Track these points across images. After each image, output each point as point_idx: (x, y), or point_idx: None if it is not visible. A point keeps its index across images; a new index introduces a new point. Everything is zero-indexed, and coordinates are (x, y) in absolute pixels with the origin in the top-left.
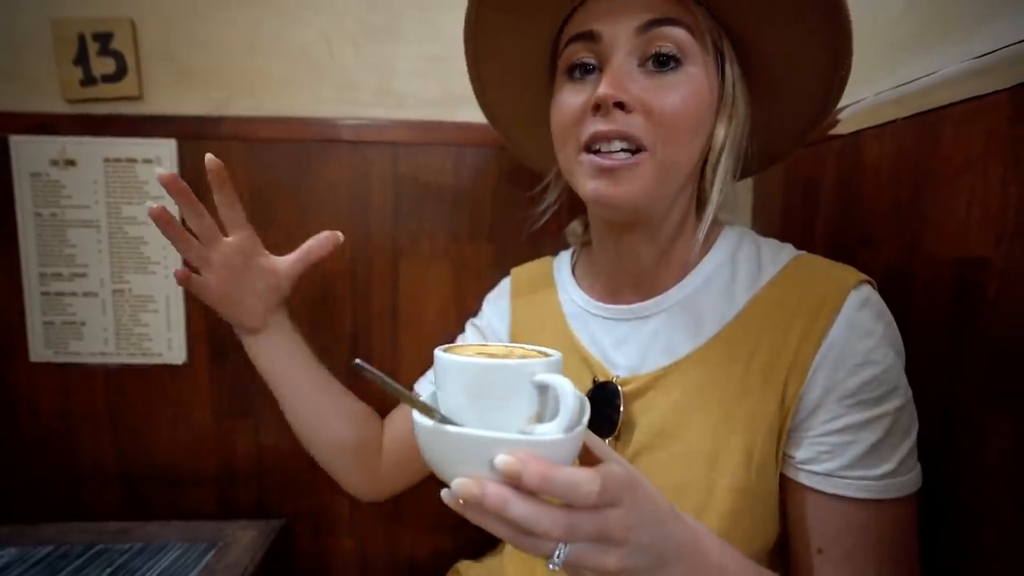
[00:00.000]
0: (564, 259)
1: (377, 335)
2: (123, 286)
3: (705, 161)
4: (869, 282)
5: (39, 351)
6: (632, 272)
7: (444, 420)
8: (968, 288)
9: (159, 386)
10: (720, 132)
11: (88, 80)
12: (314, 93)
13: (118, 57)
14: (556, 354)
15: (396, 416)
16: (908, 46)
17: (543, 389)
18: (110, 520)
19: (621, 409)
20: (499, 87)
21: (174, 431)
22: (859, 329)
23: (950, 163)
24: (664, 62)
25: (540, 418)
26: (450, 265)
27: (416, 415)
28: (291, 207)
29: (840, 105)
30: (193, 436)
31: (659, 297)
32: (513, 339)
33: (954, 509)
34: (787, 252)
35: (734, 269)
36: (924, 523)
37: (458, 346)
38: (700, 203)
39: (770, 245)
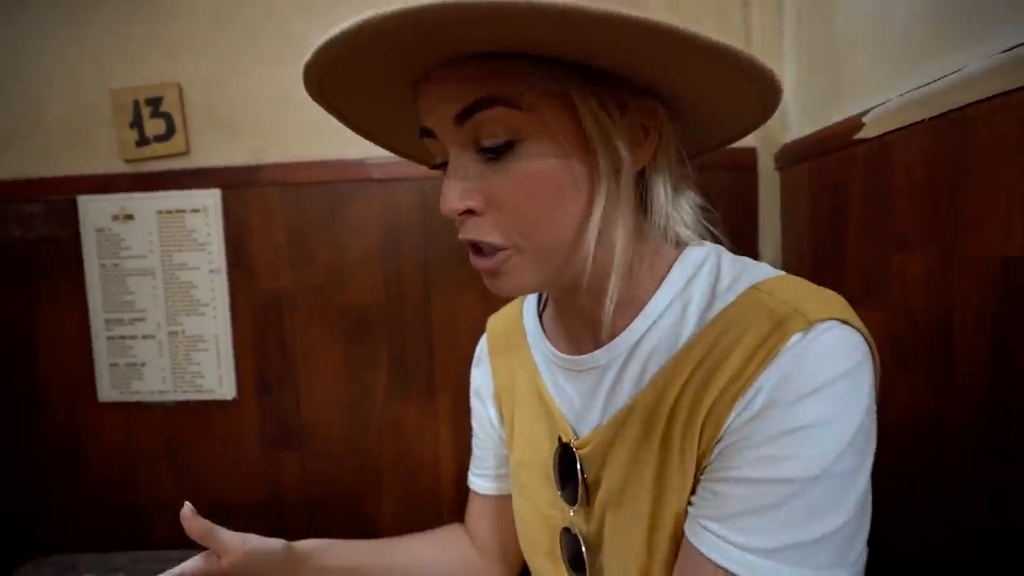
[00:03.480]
0: (531, 304)
1: (413, 363)
2: (177, 328)
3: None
4: (839, 319)
5: (106, 392)
6: (583, 319)
7: None
8: (1017, 289)
9: (210, 421)
10: (601, 189)
11: (142, 141)
12: (344, 136)
13: (167, 118)
14: None
15: (475, 512)
16: (928, 45)
17: None
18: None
19: (581, 471)
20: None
21: (225, 463)
22: (795, 378)
23: (985, 159)
24: (494, 150)
25: None
26: (479, 292)
27: None
28: (327, 245)
29: (864, 108)
30: (243, 468)
31: (611, 344)
32: (498, 396)
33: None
34: (746, 280)
35: (686, 302)
36: None
37: None
38: (645, 211)
39: (733, 270)
